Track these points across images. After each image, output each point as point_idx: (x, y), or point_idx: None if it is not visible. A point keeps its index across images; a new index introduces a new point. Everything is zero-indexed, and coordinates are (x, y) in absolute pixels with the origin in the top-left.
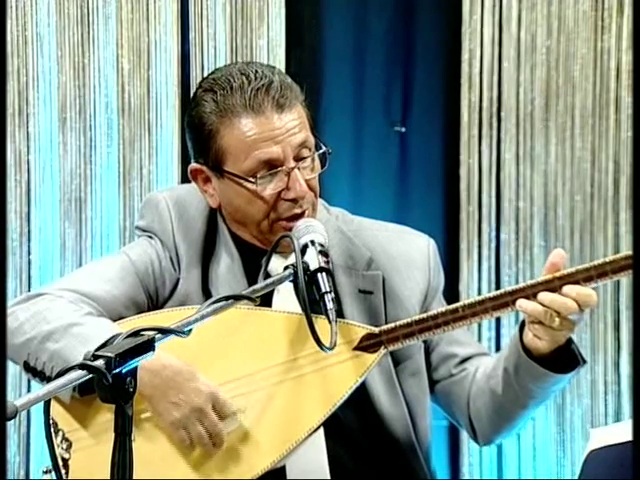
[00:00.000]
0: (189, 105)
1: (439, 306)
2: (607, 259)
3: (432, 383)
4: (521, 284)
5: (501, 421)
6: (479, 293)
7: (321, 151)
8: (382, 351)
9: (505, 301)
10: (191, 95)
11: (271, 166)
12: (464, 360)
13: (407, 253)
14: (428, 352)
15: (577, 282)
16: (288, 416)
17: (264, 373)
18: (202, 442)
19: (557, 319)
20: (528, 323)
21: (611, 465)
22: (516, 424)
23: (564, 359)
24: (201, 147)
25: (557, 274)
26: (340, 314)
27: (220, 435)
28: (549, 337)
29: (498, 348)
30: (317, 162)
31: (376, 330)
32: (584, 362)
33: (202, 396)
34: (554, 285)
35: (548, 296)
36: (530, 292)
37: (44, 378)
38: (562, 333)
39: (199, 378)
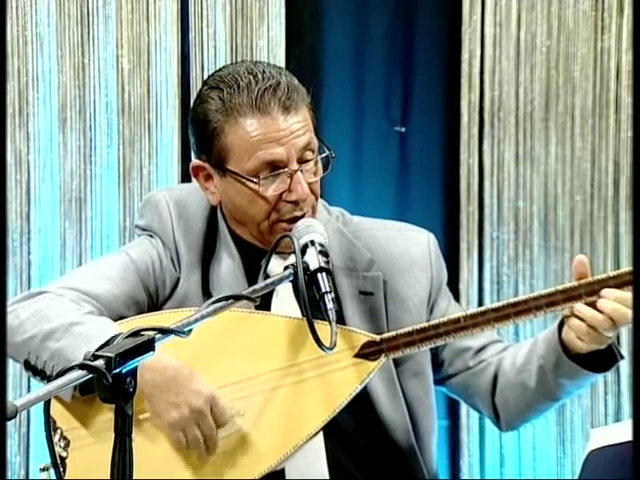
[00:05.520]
0: (194, 101)
1: (445, 299)
2: (611, 274)
3: (448, 377)
4: (523, 296)
5: (530, 412)
6: (479, 293)
7: (324, 155)
8: (383, 359)
9: (507, 313)
10: (192, 95)
11: (274, 167)
12: (479, 350)
13: (407, 252)
14: (438, 350)
15: (580, 296)
16: (287, 421)
17: (264, 377)
18: (197, 446)
19: (611, 328)
20: (573, 326)
21: (611, 465)
22: (543, 414)
23: (600, 355)
24: (204, 144)
25: (560, 287)
26: (341, 315)
27: (214, 441)
28: (594, 341)
29: None
30: (320, 166)
31: (377, 338)
32: (621, 357)
33: (202, 398)
34: (557, 298)
35: (609, 305)
36: (533, 305)
37: (45, 377)
38: (607, 339)
39: (200, 380)
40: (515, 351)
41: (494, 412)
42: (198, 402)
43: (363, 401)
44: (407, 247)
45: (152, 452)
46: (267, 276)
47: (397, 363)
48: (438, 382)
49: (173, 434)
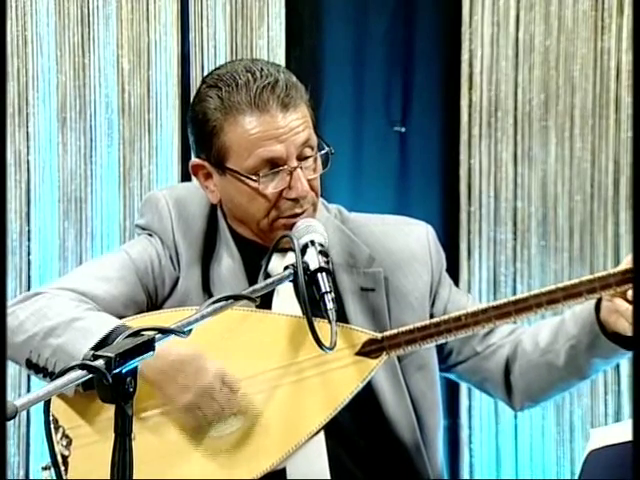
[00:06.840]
0: (193, 100)
1: (445, 288)
2: (611, 271)
3: (456, 364)
4: (524, 294)
5: (553, 391)
6: (479, 293)
7: (323, 151)
8: (384, 357)
9: (508, 310)
10: (192, 94)
11: (273, 165)
12: (486, 335)
13: (406, 246)
14: None
15: (580, 294)
16: (289, 419)
17: (266, 375)
18: (219, 416)
19: None
20: (621, 309)
21: (611, 465)
22: (564, 392)
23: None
24: (204, 143)
25: (560, 285)
26: (343, 313)
27: (235, 403)
28: None
29: None
30: (319, 162)
31: (378, 336)
32: None
33: (209, 375)
34: (557, 296)
35: None
36: (533, 302)
37: (47, 374)
38: None
39: (206, 359)
40: (534, 332)
41: (507, 393)
42: (206, 380)
43: (368, 400)
44: (406, 242)
45: (154, 450)
46: (267, 275)
47: (400, 357)
48: (445, 370)
49: (189, 416)
